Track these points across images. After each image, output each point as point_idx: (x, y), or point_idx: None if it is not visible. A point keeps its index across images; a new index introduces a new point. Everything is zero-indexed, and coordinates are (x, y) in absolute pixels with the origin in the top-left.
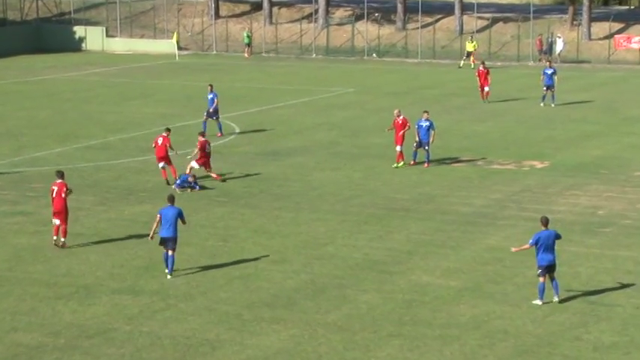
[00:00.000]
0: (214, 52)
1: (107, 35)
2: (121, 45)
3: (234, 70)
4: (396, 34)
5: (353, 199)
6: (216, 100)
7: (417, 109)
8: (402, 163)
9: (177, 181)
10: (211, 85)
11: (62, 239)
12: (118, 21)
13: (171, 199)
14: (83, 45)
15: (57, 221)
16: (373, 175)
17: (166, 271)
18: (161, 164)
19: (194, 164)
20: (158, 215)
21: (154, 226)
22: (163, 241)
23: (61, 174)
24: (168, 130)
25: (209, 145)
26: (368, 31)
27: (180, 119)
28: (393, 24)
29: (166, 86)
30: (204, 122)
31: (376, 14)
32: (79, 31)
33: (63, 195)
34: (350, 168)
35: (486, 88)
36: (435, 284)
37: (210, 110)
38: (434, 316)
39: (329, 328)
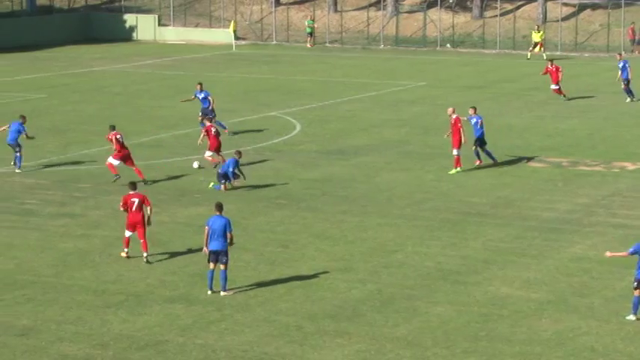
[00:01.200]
0: (274, 42)
1: (159, 24)
2: (174, 34)
3: (296, 62)
4: (472, 22)
5: (424, 202)
6: (210, 98)
7: (494, 105)
8: (459, 169)
9: (217, 186)
10: (201, 84)
11: (145, 253)
12: (172, 9)
13: (220, 207)
14: (134, 34)
15: (130, 233)
16: (446, 176)
17: (209, 290)
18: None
19: (208, 153)
20: (206, 227)
21: (205, 239)
22: (213, 255)
23: (134, 185)
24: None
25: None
26: (441, 19)
27: (237, 114)
28: (469, 12)
29: (223, 79)
30: (202, 123)
31: (450, 1)
32: (129, 19)
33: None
34: (421, 169)
35: (553, 86)
36: (515, 296)
37: (209, 109)
38: (513, 331)
39: (398, 342)
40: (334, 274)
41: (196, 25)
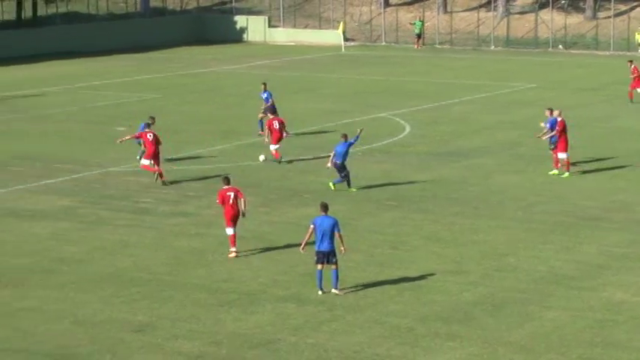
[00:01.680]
0: (383, 43)
1: (270, 25)
2: (284, 36)
3: (405, 63)
4: (585, 23)
5: (537, 205)
6: (271, 99)
7: (608, 107)
8: (559, 171)
9: (338, 179)
10: (265, 84)
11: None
12: (281, 10)
13: (325, 207)
14: (244, 36)
15: (232, 230)
16: (559, 179)
17: (320, 291)
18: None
19: (273, 146)
20: (311, 226)
21: (307, 237)
22: (322, 256)
23: (228, 180)
24: None
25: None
26: (553, 20)
27: (346, 115)
28: (582, 12)
29: (332, 80)
30: (261, 121)
31: (563, 1)
32: (240, 21)
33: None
34: (533, 171)
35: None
36: (631, 302)
37: (268, 106)
38: (630, 338)
39: (511, 347)
40: (445, 277)
41: (306, 27)
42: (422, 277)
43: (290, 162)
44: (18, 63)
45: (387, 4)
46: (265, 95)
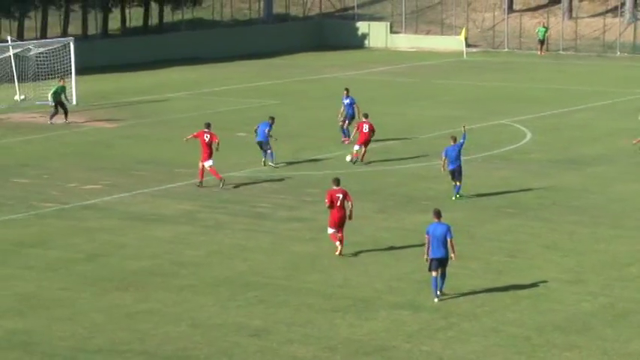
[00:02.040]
0: (505, 49)
1: (391, 31)
2: (405, 42)
3: (528, 69)
4: None
5: None
6: (355, 106)
7: None
8: None
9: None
10: (347, 90)
11: (340, 246)
12: (403, 16)
13: (438, 214)
14: (366, 42)
15: (333, 230)
16: None
17: (435, 298)
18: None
19: (356, 147)
20: (427, 235)
21: (427, 247)
22: (436, 263)
23: (338, 181)
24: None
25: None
26: None
27: (467, 122)
28: None
29: (453, 86)
30: (345, 129)
31: None
32: (362, 27)
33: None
34: None
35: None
36: None
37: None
38: None
39: (630, 358)
40: (564, 286)
41: (427, 33)
42: (540, 286)
43: (369, 163)
44: (143, 69)
45: (510, 9)
46: (348, 101)
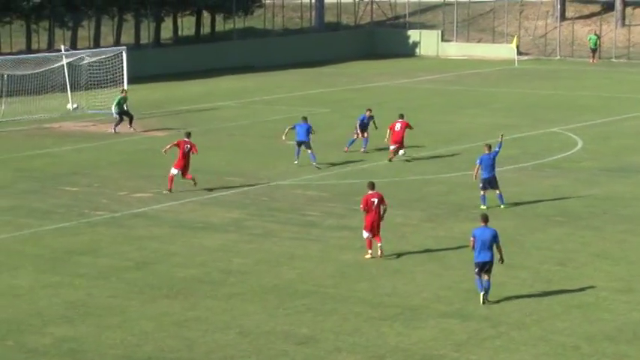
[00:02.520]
0: (557, 57)
1: (442, 39)
2: (456, 50)
3: (579, 77)
4: None
5: None
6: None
7: None
8: None
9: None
10: (370, 110)
11: (379, 244)
12: (455, 24)
13: (485, 218)
14: (417, 50)
15: (368, 234)
16: None
17: (481, 295)
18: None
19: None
20: (472, 238)
21: (472, 249)
22: (481, 266)
23: (373, 185)
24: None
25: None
26: None
27: (517, 130)
28: None
29: (504, 94)
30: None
31: None
32: (413, 35)
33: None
34: None
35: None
36: None
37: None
38: None
39: None
40: (614, 295)
41: (479, 41)
42: (589, 295)
43: (409, 160)
44: (195, 78)
45: (563, 17)
46: (366, 120)
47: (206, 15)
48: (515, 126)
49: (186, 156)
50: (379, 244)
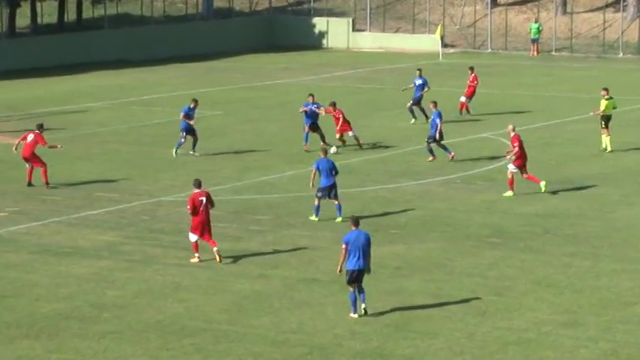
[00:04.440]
0: (489, 50)
1: (354, 29)
2: (370, 41)
3: (514, 73)
4: None
5: None
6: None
7: None
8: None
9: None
10: (312, 96)
11: (215, 249)
12: (368, 11)
13: (356, 221)
14: (324, 41)
15: (197, 238)
16: None
17: (352, 313)
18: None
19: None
20: (344, 245)
21: (341, 258)
22: (357, 275)
23: (199, 183)
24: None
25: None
26: None
27: (446, 135)
28: None
29: (427, 94)
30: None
31: None
32: (319, 23)
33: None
34: None
35: (462, 99)
36: None
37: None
38: None
39: None
40: (558, 329)
41: (396, 30)
42: (530, 330)
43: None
44: (58, 74)
45: (494, 3)
46: (314, 107)
47: None
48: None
49: (28, 147)
50: (215, 249)
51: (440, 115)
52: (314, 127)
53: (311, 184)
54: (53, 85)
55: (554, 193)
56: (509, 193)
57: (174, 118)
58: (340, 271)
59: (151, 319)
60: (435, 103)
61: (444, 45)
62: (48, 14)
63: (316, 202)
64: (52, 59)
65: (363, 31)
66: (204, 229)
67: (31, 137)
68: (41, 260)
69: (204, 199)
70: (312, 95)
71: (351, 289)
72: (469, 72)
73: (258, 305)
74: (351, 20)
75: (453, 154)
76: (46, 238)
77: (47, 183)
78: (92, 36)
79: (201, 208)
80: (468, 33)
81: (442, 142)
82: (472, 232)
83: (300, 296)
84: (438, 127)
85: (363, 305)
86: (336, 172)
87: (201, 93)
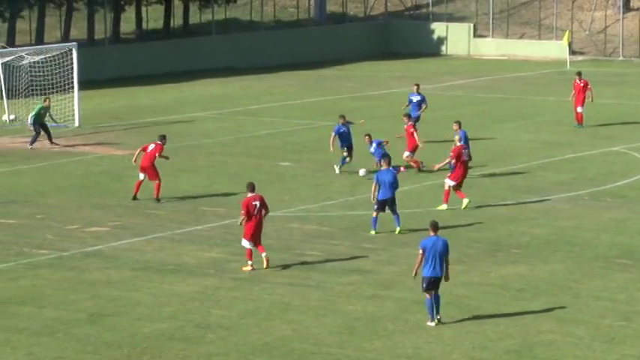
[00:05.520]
0: (620, 57)
1: (475, 35)
2: (492, 48)
3: None
4: None
5: None
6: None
7: None
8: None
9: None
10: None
11: (263, 254)
12: (491, 16)
13: (435, 226)
14: (443, 48)
15: (250, 244)
16: None
17: (429, 322)
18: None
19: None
20: (421, 250)
21: (417, 264)
22: (433, 283)
23: (253, 186)
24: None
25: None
26: None
27: (569, 149)
28: None
29: (552, 104)
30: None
31: None
32: (438, 29)
33: None
34: None
35: (579, 109)
36: None
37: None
38: None
39: None
40: None
41: (521, 36)
42: None
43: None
44: (163, 82)
45: (627, 8)
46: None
47: (177, 3)
48: (567, 144)
49: (149, 157)
50: (263, 255)
51: (466, 136)
52: (350, 148)
53: (372, 196)
54: (158, 93)
55: None
56: (444, 206)
57: (284, 129)
58: (415, 275)
59: (258, 341)
60: (459, 123)
61: (572, 52)
62: (153, 19)
63: (374, 215)
64: (158, 66)
65: (485, 37)
66: (256, 234)
67: (151, 147)
68: (144, 277)
69: (257, 203)
70: (343, 117)
71: (428, 296)
72: (576, 78)
73: (370, 328)
74: (472, 26)
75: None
76: (148, 255)
77: (158, 199)
78: (199, 42)
79: (254, 213)
80: (598, 39)
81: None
82: (600, 252)
83: (415, 319)
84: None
85: (437, 316)
86: (396, 186)
87: (312, 102)
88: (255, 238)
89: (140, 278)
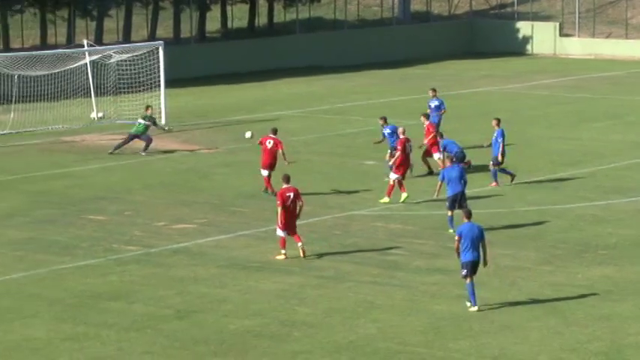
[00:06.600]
0: None
1: (561, 34)
2: (579, 47)
3: None
4: None
5: None
6: (399, 131)
7: None
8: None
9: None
10: (385, 118)
11: (299, 244)
12: (577, 15)
13: (469, 214)
14: (528, 47)
15: (284, 233)
16: None
17: (471, 307)
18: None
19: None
20: (458, 236)
21: (456, 250)
22: (472, 266)
23: (288, 178)
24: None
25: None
26: None
27: None
28: None
29: (638, 105)
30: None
31: None
32: (523, 28)
33: None
34: None
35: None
36: None
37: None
38: None
39: None
40: None
41: (608, 36)
42: None
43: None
44: (248, 80)
45: None
46: (389, 130)
47: (262, 3)
48: None
49: (271, 153)
50: (299, 244)
51: (503, 134)
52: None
53: (436, 193)
54: (243, 91)
55: None
56: (386, 199)
57: (368, 128)
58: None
59: (343, 340)
60: (499, 121)
61: None
62: (238, 18)
63: (449, 214)
64: (243, 65)
65: (572, 36)
66: (290, 224)
67: (270, 143)
68: (230, 275)
69: (292, 194)
70: (383, 118)
71: (468, 280)
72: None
73: (456, 328)
74: (558, 25)
75: (515, 175)
76: (234, 252)
77: (271, 191)
78: (283, 41)
79: (289, 203)
80: None
81: (502, 166)
82: None
83: (502, 319)
84: (500, 148)
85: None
86: (465, 182)
87: (396, 102)
88: (289, 228)
89: (226, 275)
